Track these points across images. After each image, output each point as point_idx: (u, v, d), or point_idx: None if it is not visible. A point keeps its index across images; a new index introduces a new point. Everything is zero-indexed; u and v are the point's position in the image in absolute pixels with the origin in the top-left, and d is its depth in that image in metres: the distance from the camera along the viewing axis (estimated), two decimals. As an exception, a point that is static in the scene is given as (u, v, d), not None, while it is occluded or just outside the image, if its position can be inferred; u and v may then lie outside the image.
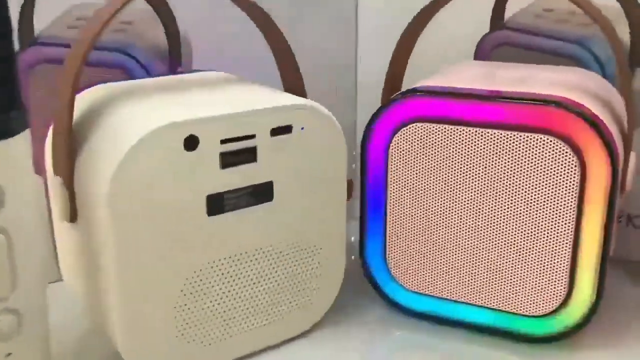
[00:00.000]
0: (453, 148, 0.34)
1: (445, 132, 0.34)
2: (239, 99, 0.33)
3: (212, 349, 0.33)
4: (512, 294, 0.35)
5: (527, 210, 0.33)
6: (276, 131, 0.32)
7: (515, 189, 0.33)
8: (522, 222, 0.34)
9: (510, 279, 0.35)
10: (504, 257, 0.34)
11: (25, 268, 0.27)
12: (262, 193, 0.32)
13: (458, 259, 0.36)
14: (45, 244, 0.37)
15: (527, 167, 0.33)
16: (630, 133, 0.35)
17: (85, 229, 0.31)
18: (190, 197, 0.30)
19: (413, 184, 0.36)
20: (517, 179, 0.33)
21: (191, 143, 0.30)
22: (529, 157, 0.33)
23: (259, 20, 0.35)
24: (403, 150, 0.35)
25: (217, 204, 0.31)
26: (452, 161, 0.34)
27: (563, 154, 0.32)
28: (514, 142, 0.33)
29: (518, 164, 0.33)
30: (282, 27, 0.36)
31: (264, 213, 0.33)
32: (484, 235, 0.35)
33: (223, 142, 0.31)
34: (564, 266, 0.33)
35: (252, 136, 0.31)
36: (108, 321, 0.31)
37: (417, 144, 0.35)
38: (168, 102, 0.32)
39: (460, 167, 0.34)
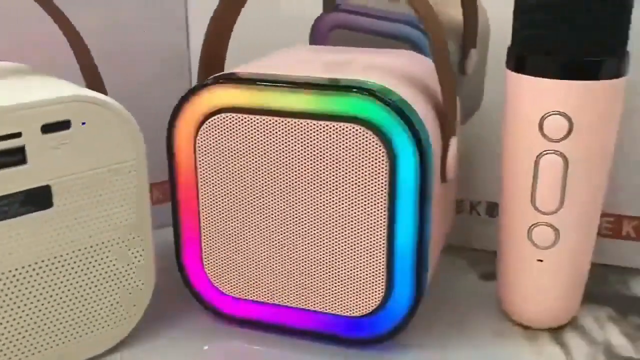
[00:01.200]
0: (261, 141, 0.31)
1: (251, 122, 0.31)
2: (6, 91, 0.29)
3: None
4: (331, 295, 0.32)
5: (338, 206, 0.31)
6: (49, 128, 0.28)
7: (326, 182, 0.31)
8: (335, 219, 0.31)
9: (327, 280, 0.32)
10: (318, 256, 0.32)
11: None
12: (37, 198, 0.29)
13: (274, 261, 0.33)
14: None
15: (337, 159, 0.30)
16: (450, 120, 0.33)
17: None
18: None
19: (223, 183, 0.32)
20: (327, 171, 0.31)
21: None
22: (337, 147, 0.30)
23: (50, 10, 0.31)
24: (210, 145, 0.32)
25: (-22, 214, 0.27)
26: (261, 155, 0.31)
27: (371, 144, 0.30)
28: (322, 132, 0.30)
29: (327, 156, 0.30)
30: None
31: (43, 221, 0.29)
32: (297, 235, 0.32)
33: (-21, 142, 0.27)
34: (379, 264, 0.31)
35: (17, 134, 0.28)
36: None
37: (224, 137, 0.32)
38: None
39: (270, 162, 0.31)
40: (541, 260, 0.33)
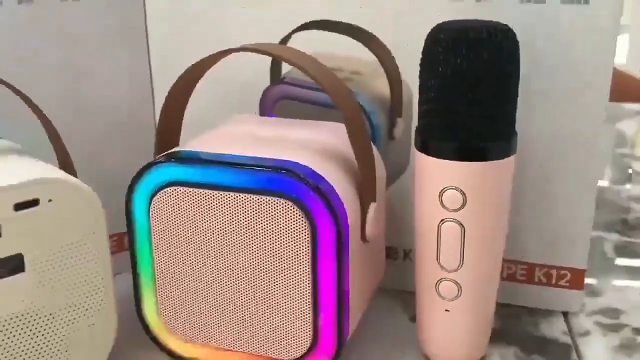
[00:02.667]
0: (202, 210, 0.37)
1: (192, 194, 0.36)
2: (-17, 176, 0.34)
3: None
4: (267, 340, 0.38)
5: (270, 267, 0.36)
6: (21, 205, 0.34)
7: (258, 246, 0.36)
8: (267, 277, 0.36)
9: (264, 328, 0.38)
10: (255, 308, 0.37)
11: None
12: (11, 265, 0.34)
13: (218, 311, 0.38)
14: None
15: (267, 226, 0.36)
16: (368, 186, 0.38)
17: None
18: None
19: (173, 244, 0.38)
20: (258, 237, 0.36)
21: None
22: (267, 217, 0.36)
23: (31, 106, 0.37)
24: (161, 212, 0.37)
25: (-40, 281, 0.32)
26: (204, 222, 0.37)
27: (294, 215, 0.35)
28: (254, 204, 0.36)
29: (259, 223, 0.36)
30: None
31: (17, 284, 0.34)
32: (237, 289, 0.37)
33: (-40, 222, 0.32)
34: (306, 315, 0.37)
35: (-7, 213, 0.33)
36: None
37: (173, 206, 0.37)
38: None
39: (211, 228, 0.37)
40: (448, 310, 0.38)
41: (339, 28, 0.45)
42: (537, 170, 0.44)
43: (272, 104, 0.48)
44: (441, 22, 0.36)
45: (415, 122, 0.45)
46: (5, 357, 0.35)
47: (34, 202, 0.34)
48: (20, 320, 0.35)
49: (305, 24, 0.45)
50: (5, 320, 0.34)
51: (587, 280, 0.50)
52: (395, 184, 0.47)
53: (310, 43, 0.45)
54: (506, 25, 0.35)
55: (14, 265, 0.34)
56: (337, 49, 0.45)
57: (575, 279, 0.45)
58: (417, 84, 0.43)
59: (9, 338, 0.35)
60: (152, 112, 0.50)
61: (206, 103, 0.48)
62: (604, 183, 0.69)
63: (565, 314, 0.46)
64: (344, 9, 0.44)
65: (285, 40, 0.46)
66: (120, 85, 0.48)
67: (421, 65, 0.36)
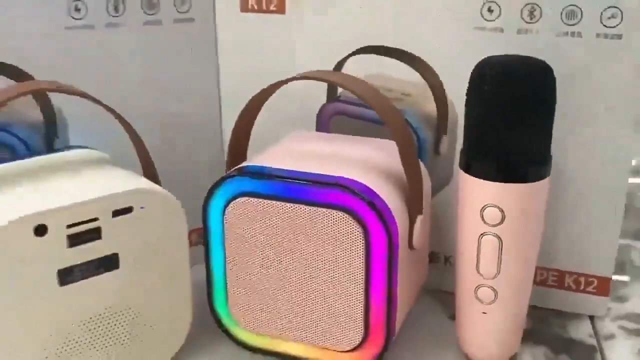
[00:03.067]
0: (269, 217, 0.42)
1: (262, 205, 0.42)
2: (86, 186, 0.40)
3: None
4: (325, 333, 0.43)
5: (328, 270, 0.41)
6: (118, 212, 0.39)
7: (317, 251, 0.41)
8: (325, 278, 0.42)
9: (323, 322, 0.43)
10: (314, 305, 0.42)
11: None
12: (108, 263, 0.40)
13: (283, 306, 0.43)
14: None
15: (326, 234, 0.41)
16: (416, 200, 0.43)
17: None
18: (43, 272, 0.37)
19: (243, 246, 0.43)
20: (318, 243, 0.41)
21: (40, 230, 0.37)
22: (327, 226, 0.41)
23: (123, 123, 0.43)
24: (234, 218, 0.43)
25: (68, 276, 0.38)
26: (270, 228, 0.42)
27: (351, 226, 0.40)
28: (315, 215, 0.41)
29: (319, 231, 0.41)
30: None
31: (113, 279, 0.40)
32: (298, 288, 0.42)
33: (69, 226, 0.38)
34: (359, 313, 0.42)
35: (96, 219, 0.39)
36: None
37: (243, 213, 0.42)
38: (24, 194, 0.39)
39: (276, 233, 0.42)
40: (485, 313, 0.43)
41: (392, 53, 0.49)
42: (569, 188, 0.48)
43: (327, 120, 0.53)
44: (486, 57, 0.40)
45: (458, 139, 0.49)
46: (98, 343, 0.41)
47: (129, 209, 0.40)
48: (114, 310, 0.41)
49: (362, 48, 0.50)
50: (103, 310, 0.40)
51: (614, 287, 0.54)
52: (439, 195, 0.51)
53: (366, 65, 0.50)
54: (544, 62, 0.39)
55: (110, 263, 0.40)
56: (390, 71, 0.50)
57: (602, 286, 0.49)
58: (461, 103, 0.48)
59: (104, 326, 0.40)
60: (219, 121, 0.56)
61: (269, 118, 0.53)
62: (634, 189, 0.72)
63: (591, 318, 0.50)
64: (393, 37, 0.49)
65: (342, 62, 0.50)
66: (193, 101, 0.54)
67: (467, 95, 0.40)
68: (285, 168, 0.42)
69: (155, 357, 0.44)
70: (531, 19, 0.45)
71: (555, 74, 0.40)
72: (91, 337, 0.40)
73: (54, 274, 0.38)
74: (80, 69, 0.48)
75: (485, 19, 0.46)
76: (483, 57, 0.40)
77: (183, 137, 0.54)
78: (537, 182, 0.40)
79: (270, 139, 0.50)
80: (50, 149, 0.49)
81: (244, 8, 0.52)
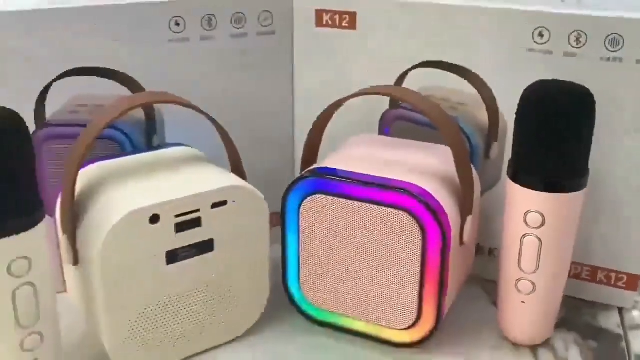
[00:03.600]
0: (339, 213, 0.49)
1: (333, 202, 0.49)
2: (189, 182, 0.47)
3: (169, 350, 0.48)
4: (383, 313, 0.50)
5: (389, 260, 0.48)
6: (215, 205, 0.47)
7: (380, 244, 0.48)
8: (386, 268, 0.48)
9: (382, 304, 0.50)
10: (375, 289, 0.49)
11: (46, 305, 0.42)
12: (205, 246, 0.47)
13: (348, 287, 0.51)
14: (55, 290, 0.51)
15: (388, 230, 0.48)
16: (467, 202, 0.49)
17: (84, 270, 0.46)
18: (154, 253, 0.45)
19: (316, 235, 0.50)
20: (381, 237, 0.48)
21: (154, 219, 0.44)
22: (389, 223, 0.47)
23: (217, 126, 0.50)
24: (308, 212, 0.50)
25: (173, 257, 0.46)
26: (340, 221, 0.49)
27: (410, 224, 0.47)
28: (378, 213, 0.47)
29: (382, 227, 0.48)
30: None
31: (208, 260, 0.48)
32: (362, 273, 0.50)
33: (177, 216, 0.45)
34: (414, 297, 0.48)
35: (197, 210, 0.46)
36: (99, 330, 0.47)
37: (317, 208, 0.49)
38: (139, 187, 0.46)
39: (345, 226, 0.49)
40: (524, 302, 0.49)
41: (449, 67, 0.55)
42: (605, 193, 0.53)
43: (389, 123, 0.59)
44: (536, 81, 0.46)
45: (507, 145, 0.55)
46: (193, 312, 0.48)
47: (224, 203, 0.47)
48: (207, 285, 0.48)
49: (423, 62, 0.56)
50: (199, 285, 0.48)
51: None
52: (486, 194, 0.57)
53: (426, 77, 0.56)
54: (586, 88, 0.45)
55: (207, 246, 0.48)
56: (447, 84, 0.56)
57: (631, 281, 0.55)
58: (510, 114, 0.54)
59: (199, 298, 0.48)
60: (292, 125, 0.63)
61: (337, 122, 0.59)
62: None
63: (620, 310, 0.56)
64: (451, 54, 0.55)
65: (404, 74, 0.57)
66: (269, 107, 0.61)
67: (517, 114, 0.46)
68: (354, 171, 0.49)
69: (237, 327, 0.52)
70: (577, 44, 0.50)
71: (596, 94, 0.45)
72: (187, 308, 0.48)
73: (162, 255, 0.46)
74: (175, 76, 0.56)
75: (536, 42, 0.52)
76: (532, 80, 0.46)
77: (260, 137, 0.62)
78: (575, 193, 0.46)
79: (338, 141, 0.56)
80: (149, 144, 0.57)
81: (319, 24, 0.58)
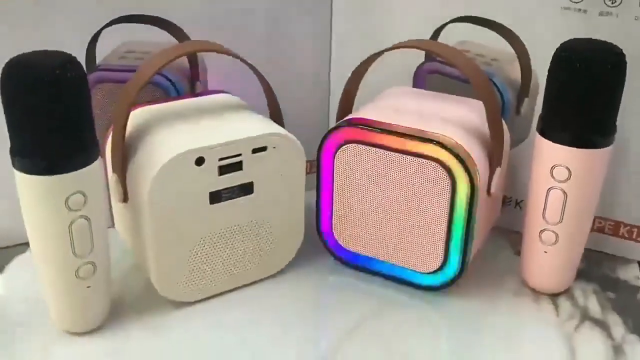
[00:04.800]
0: (372, 162, 0.51)
1: (367, 151, 0.51)
2: (233, 128, 0.50)
3: (210, 283, 0.52)
4: (410, 257, 0.53)
5: (419, 206, 0.51)
6: (256, 150, 0.50)
7: (411, 190, 0.50)
8: (416, 212, 0.51)
9: (410, 248, 0.52)
10: (404, 232, 0.52)
11: (98, 237, 0.46)
12: (246, 189, 0.50)
13: (378, 232, 0.53)
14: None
15: (419, 179, 0.50)
16: (496, 155, 0.51)
17: (133, 207, 0.49)
18: (198, 193, 0.48)
19: (349, 183, 0.53)
20: (412, 184, 0.50)
21: (200, 161, 0.47)
22: (419, 173, 0.50)
23: (258, 75, 0.52)
24: (342, 160, 0.52)
25: (216, 197, 0.49)
26: (373, 170, 0.51)
27: (440, 173, 0.49)
28: (410, 163, 0.50)
29: (413, 176, 0.50)
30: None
31: (248, 201, 0.51)
32: (392, 220, 0.52)
33: (220, 159, 0.48)
34: (441, 243, 0.51)
35: (239, 155, 0.49)
36: (146, 263, 0.50)
37: (351, 156, 0.52)
38: (186, 131, 0.49)
39: (377, 174, 0.51)
40: (546, 252, 0.52)
41: (484, 23, 0.57)
42: (629, 152, 0.55)
43: (424, 77, 0.61)
44: (569, 40, 0.47)
45: (537, 102, 0.57)
46: (234, 249, 0.52)
47: (264, 148, 0.50)
48: (247, 225, 0.52)
49: (458, 17, 0.57)
50: (239, 224, 0.51)
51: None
52: (515, 148, 0.59)
53: (461, 32, 0.57)
54: (618, 48, 0.46)
55: (247, 189, 0.50)
56: (480, 39, 0.57)
57: (653, 237, 0.57)
58: (542, 72, 0.55)
59: (239, 237, 0.52)
60: (328, 70, 0.65)
61: (374, 73, 0.61)
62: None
63: (639, 263, 0.58)
64: (486, 9, 0.56)
65: (440, 29, 0.58)
66: (305, 56, 0.63)
67: (549, 71, 0.48)
68: (388, 122, 0.51)
69: (274, 264, 0.55)
70: (612, 3, 0.51)
71: (629, 54, 0.46)
72: (228, 245, 0.51)
73: (206, 195, 0.49)
74: (216, 24, 0.58)
75: (571, 0, 0.52)
76: (566, 39, 0.48)
77: (298, 87, 0.64)
78: (601, 149, 0.48)
79: (374, 92, 0.58)
80: (192, 90, 0.60)
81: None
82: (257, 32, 0.61)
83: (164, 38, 0.57)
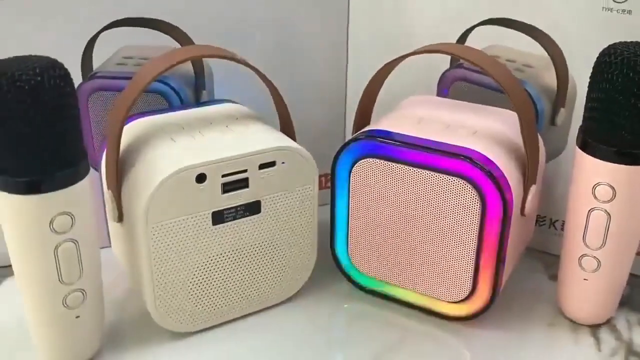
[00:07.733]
0: (392, 178, 0.46)
1: (387, 166, 0.46)
2: (238, 141, 0.45)
3: (212, 312, 0.47)
4: (435, 284, 0.48)
5: (445, 229, 0.46)
6: (263, 166, 0.45)
7: (436, 212, 0.45)
8: (441, 237, 0.46)
9: (435, 275, 0.47)
10: (428, 258, 0.47)
11: (88, 262, 0.41)
12: (252, 208, 0.46)
13: (398, 256, 0.48)
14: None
15: (445, 199, 0.45)
16: (531, 171, 0.46)
17: (128, 227, 0.45)
18: (199, 213, 0.44)
19: (367, 201, 0.48)
20: (437, 205, 0.45)
21: (200, 178, 0.43)
22: (446, 191, 0.45)
23: (267, 83, 0.48)
24: (360, 176, 0.47)
25: (219, 217, 0.44)
26: (393, 187, 0.46)
27: (469, 192, 0.44)
28: (436, 180, 0.45)
29: (438, 195, 0.45)
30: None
31: (255, 221, 0.46)
32: (414, 242, 0.47)
33: (224, 175, 0.44)
34: (470, 269, 0.46)
35: (245, 170, 0.44)
36: (142, 289, 0.46)
37: (369, 172, 0.47)
38: (187, 144, 0.45)
39: (398, 192, 0.46)
40: (586, 280, 0.46)
41: (515, 25, 0.52)
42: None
43: (448, 84, 0.56)
44: (612, 44, 0.42)
45: (575, 112, 0.52)
46: (238, 273, 0.47)
47: (272, 164, 0.45)
48: (253, 247, 0.47)
49: (487, 19, 0.52)
50: (244, 247, 0.46)
51: None
52: (551, 162, 0.54)
53: (491, 36, 0.52)
54: (671, 52, 0.41)
55: (254, 208, 0.46)
56: (512, 44, 0.52)
57: None
58: (581, 79, 0.50)
59: (244, 260, 0.47)
60: (344, 79, 0.60)
61: (394, 81, 0.56)
62: None
63: (689, 291, 0.52)
64: (518, 10, 0.51)
65: (467, 32, 0.53)
66: (320, 62, 0.59)
67: (591, 78, 0.43)
68: (409, 134, 0.46)
69: (283, 291, 0.50)
70: (661, 2, 0.46)
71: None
72: (232, 269, 0.47)
73: (208, 215, 0.44)
74: (223, 29, 0.54)
75: (615, 1, 0.47)
76: (608, 42, 0.42)
77: (311, 95, 0.60)
78: (650, 165, 0.42)
79: (393, 101, 0.53)
80: (197, 99, 0.55)
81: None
82: (268, 39, 0.56)
83: (167, 44, 0.53)
